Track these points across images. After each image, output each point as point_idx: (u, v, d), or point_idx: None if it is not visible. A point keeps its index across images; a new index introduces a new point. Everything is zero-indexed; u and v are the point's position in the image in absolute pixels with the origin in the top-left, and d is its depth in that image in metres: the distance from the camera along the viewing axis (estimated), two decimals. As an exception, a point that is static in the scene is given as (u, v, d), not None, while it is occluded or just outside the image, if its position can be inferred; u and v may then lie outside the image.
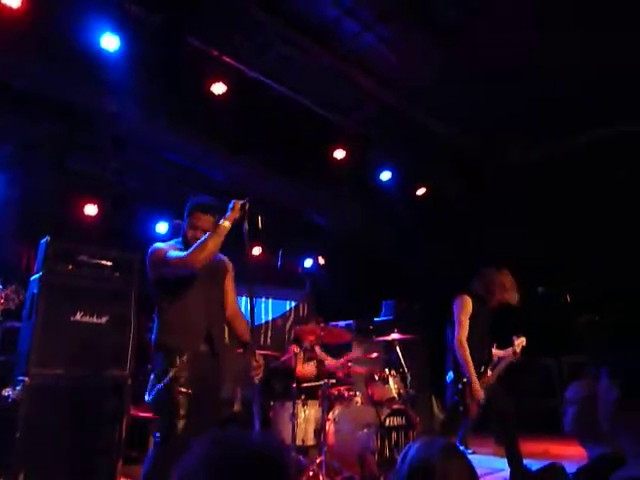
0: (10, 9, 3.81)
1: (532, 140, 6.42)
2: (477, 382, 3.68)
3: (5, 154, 5.03)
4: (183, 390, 2.47)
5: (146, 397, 2.60)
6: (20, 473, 3.35)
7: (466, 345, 3.72)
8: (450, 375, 3.89)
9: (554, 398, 6.68)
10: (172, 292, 2.64)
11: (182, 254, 2.55)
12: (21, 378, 3.51)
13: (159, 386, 2.50)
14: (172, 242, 2.78)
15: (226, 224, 2.57)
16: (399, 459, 1.29)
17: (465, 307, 3.83)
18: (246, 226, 2.64)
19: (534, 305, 5.37)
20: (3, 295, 3.17)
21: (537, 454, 5.22)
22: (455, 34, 4.81)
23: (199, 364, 2.56)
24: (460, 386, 3.73)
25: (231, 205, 2.64)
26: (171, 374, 2.48)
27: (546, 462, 2.19)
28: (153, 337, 2.71)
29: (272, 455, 0.88)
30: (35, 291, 3.66)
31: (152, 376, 2.62)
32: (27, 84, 4.68)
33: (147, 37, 4.37)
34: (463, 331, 3.75)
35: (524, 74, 5.25)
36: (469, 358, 3.71)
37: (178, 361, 2.52)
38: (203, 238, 2.53)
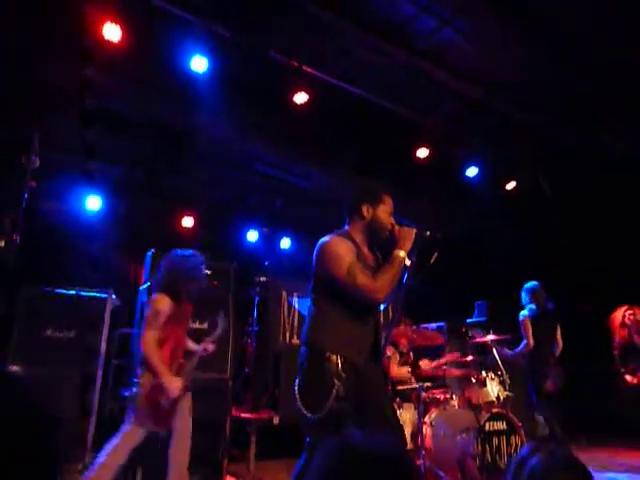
0: (112, 43, 4.18)
1: (625, 130, 5.92)
2: None
3: (114, 175, 5.50)
4: (349, 410, 2.16)
5: (309, 414, 2.16)
6: (138, 468, 3.64)
7: None
8: None
9: (615, 401, 6.10)
10: (343, 293, 2.28)
11: (370, 282, 2.24)
12: (135, 380, 3.81)
13: (322, 410, 2.13)
14: (343, 237, 2.40)
15: (402, 254, 2.31)
16: (512, 467, 1.26)
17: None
18: (414, 258, 2.37)
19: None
20: None
21: (602, 460, 4.90)
22: (540, 19, 4.57)
23: (364, 374, 2.27)
24: None
25: (401, 230, 2.38)
26: (334, 395, 2.14)
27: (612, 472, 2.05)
28: (307, 338, 2.34)
29: (402, 461, 0.89)
30: (145, 300, 3.96)
31: (298, 382, 2.27)
32: (127, 109, 5.10)
33: (233, 56, 4.58)
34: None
35: (615, 57, 4.87)
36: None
37: (343, 373, 2.18)
38: (388, 271, 2.28)
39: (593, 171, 6.30)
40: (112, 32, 4.15)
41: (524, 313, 4.83)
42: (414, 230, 2.37)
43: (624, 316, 5.33)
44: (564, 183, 6.80)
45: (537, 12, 4.50)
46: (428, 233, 2.40)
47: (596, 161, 6.20)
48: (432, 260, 2.46)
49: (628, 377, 5.32)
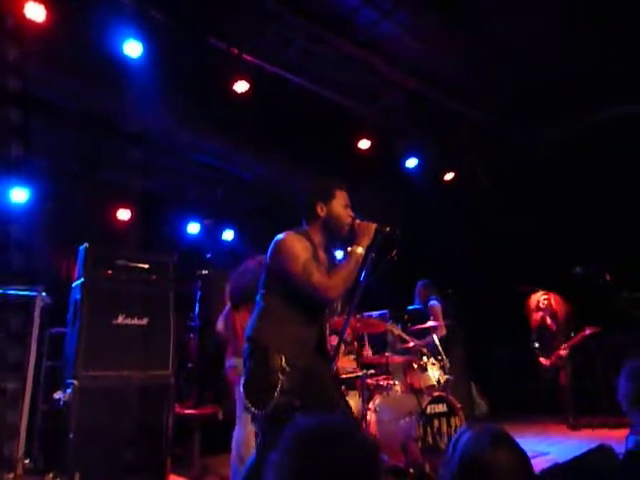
0: (35, 23, 3.91)
1: (558, 119, 6.26)
2: None
3: (41, 167, 5.16)
4: (296, 404, 2.11)
5: (256, 411, 2.13)
6: (75, 473, 3.47)
7: None
8: None
9: (595, 379, 6.53)
10: (294, 291, 2.25)
11: (324, 280, 2.20)
12: (70, 381, 3.62)
13: (268, 405, 2.11)
14: (300, 235, 2.34)
15: (359, 251, 2.26)
16: (449, 449, 1.27)
17: None
18: (373, 254, 2.32)
19: (572, 285, 5.28)
20: None
21: (583, 436, 5.17)
22: (476, 16, 4.71)
23: (309, 374, 2.23)
24: None
25: (360, 225, 2.33)
26: (279, 389, 2.11)
27: (594, 444, 2.16)
28: (252, 333, 2.29)
29: (366, 452, 0.87)
30: (78, 297, 3.76)
31: (244, 380, 2.24)
32: (55, 95, 4.79)
33: (169, 41, 4.41)
34: None
35: (546, 54, 5.13)
36: None
37: (288, 368, 2.15)
38: (344, 268, 2.24)
39: (530, 164, 6.62)
40: (35, 11, 3.88)
41: (435, 303, 5.42)
42: (374, 225, 2.33)
43: (539, 301, 5.94)
44: (503, 175, 7.10)
45: (481, 13, 4.64)
46: (388, 229, 2.35)
47: (533, 155, 6.52)
48: (391, 256, 2.41)
49: (543, 360, 5.86)
